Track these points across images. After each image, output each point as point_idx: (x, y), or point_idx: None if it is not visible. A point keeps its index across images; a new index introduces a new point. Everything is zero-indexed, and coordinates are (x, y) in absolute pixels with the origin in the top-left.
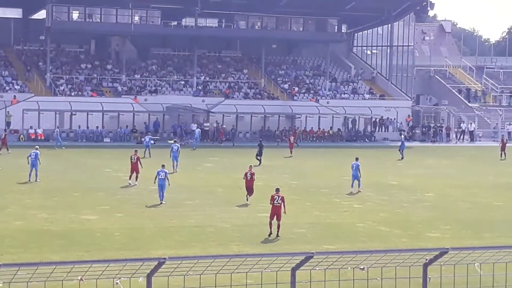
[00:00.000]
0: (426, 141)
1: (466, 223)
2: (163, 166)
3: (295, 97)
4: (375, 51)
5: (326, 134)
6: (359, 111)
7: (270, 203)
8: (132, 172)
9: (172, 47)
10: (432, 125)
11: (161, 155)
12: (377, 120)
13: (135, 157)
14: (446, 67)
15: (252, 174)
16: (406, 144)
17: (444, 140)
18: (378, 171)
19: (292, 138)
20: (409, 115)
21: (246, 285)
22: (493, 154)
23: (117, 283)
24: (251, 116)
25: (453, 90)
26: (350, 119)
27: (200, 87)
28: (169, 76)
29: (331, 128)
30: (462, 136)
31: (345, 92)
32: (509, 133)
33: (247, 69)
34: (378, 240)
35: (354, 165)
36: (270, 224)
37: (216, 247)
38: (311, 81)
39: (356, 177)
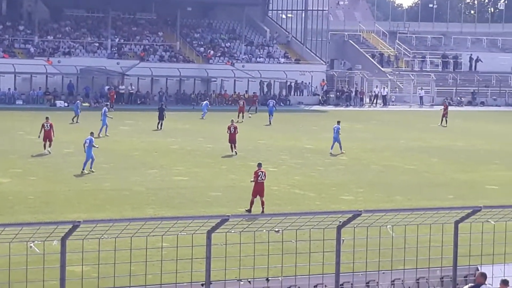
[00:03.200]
0: (340, 105)
1: (379, 186)
2: (91, 133)
3: (210, 61)
4: (290, 15)
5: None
6: (274, 75)
7: (253, 181)
8: (45, 140)
9: (86, 8)
10: (345, 89)
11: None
12: (292, 84)
13: (48, 124)
14: (360, 32)
15: (235, 128)
16: (321, 108)
17: (357, 104)
18: (293, 135)
19: (242, 102)
20: (323, 80)
21: (161, 248)
22: (405, 118)
23: (31, 247)
24: (167, 79)
25: (367, 55)
26: (266, 83)
27: (114, 50)
28: (83, 38)
29: (246, 91)
30: (375, 101)
31: (261, 56)
32: (420, 97)
33: (162, 31)
34: (293, 203)
35: (335, 128)
36: (252, 202)
37: (132, 211)
38: (226, 44)
39: (336, 139)
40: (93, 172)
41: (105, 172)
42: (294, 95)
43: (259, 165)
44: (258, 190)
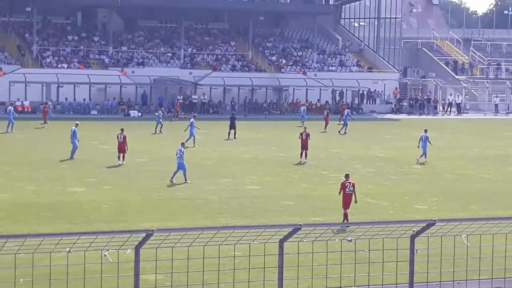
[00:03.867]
0: (413, 114)
1: (453, 195)
2: (182, 144)
3: (282, 70)
4: (362, 23)
5: (313, 106)
6: (346, 83)
7: (340, 192)
8: (119, 152)
9: (159, 19)
10: (419, 97)
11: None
12: (365, 92)
13: (122, 136)
14: (433, 39)
15: (308, 135)
16: (394, 116)
17: (431, 112)
18: (365, 144)
19: (326, 112)
20: (396, 88)
21: (234, 257)
22: (479, 127)
23: (105, 255)
24: (239, 88)
25: (440, 63)
26: (338, 92)
27: (187, 59)
28: (156, 48)
29: (318, 100)
30: (449, 109)
31: (333, 64)
32: (495, 105)
33: (234, 41)
34: (365, 212)
35: (423, 137)
36: (345, 214)
37: (204, 219)
38: (298, 53)
39: (424, 148)
40: (188, 182)
41: (178, 181)
42: (367, 103)
43: (347, 176)
44: (347, 201)
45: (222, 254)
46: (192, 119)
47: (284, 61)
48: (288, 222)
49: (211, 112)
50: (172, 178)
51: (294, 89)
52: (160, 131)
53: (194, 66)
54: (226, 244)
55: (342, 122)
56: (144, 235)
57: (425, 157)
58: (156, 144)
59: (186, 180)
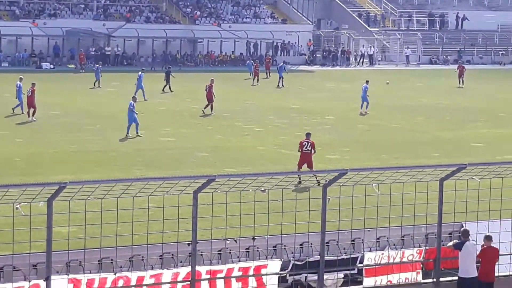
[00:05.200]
0: (327, 65)
1: (365, 145)
2: (133, 98)
3: (197, 21)
4: None
5: (228, 58)
6: (261, 35)
7: (299, 151)
8: (28, 107)
9: None
10: (332, 49)
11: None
12: (279, 44)
13: (30, 91)
14: None
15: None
16: (308, 68)
17: (344, 64)
18: (280, 95)
19: (255, 65)
20: (310, 40)
21: (148, 208)
22: (391, 77)
23: (17, 208)
24: (153, 40)
25: (353, 14)
26: (252, 44)
27: (100, 11)
28: None
29: (233, 52)
30: (361, 60)
31: (247, 16)
32: (407, 56)
33: None
34: (279, 162)
35: (363, 88)
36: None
37: (118, 172)
38: (213, 5)
39: (364, 99)
40: (140, 136)
41: (91, 134)
42: (281, 55)
43: (307, 135)
44: (304, 160)
45: (136, 206)
46: (140, 73)
47: (198, 12)
48: (202, 173)
49: (125, 64)
50: (127, 133)
51: (208, 41)
52: (99, 86)
53: (108, 18)
54: (140, 196)
55: (269, 76)
56: (56, 187)
57: (367, 106)
58: (68, 96)
59: (137, 133)
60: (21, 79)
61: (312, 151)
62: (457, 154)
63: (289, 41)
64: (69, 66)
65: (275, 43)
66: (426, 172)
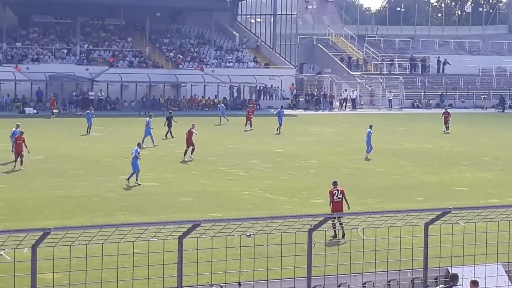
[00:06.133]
0: (310, 109)
1: (349, 189)
2: (138, 144)
3: (180, 66)
4: (259, 20)
5: (211, 102)
6: (244, 79)
7: (330, 202)
8: (17, 156)
9: (54, 15)
10: (315, 93)
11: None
12: (262, 88)
13: (19, 139)
14: (328, 35)
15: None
16: (291, 112)
17: (327, 108)
18: (263, 139)
19: (250, 111)
20: (293, 84)
21: (133, 254)
22: (374, 121)
23: (1, 254)
24: (136, 84)
25: (336, 59)
26: (235, 88)
27: (83, 56)
28: (52, 44)
29: (216, 96)
30: (344, 104)
31: (230, 60)
32: (389, 100)
33: (131, 37)
34: (264, 207)
35: (367, 133)
36: (334, 225)
37: (103, 217)
38: (196, 49)
39: (368, 143)
40: (139, 184)
41: (75, 179)
42: (264, 99)
43: (334, 183)
44: (336, 209)
45: (121, 251)
46: (148, 119)
47: (181, 57)
48: (187, 218)
49: (108, 108)
50: (128, 179)
51: (191, 85)
52: (89, 132)
53: (91, 62)
54: (125, 242)
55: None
56: (41, 233)
57: (369, 152)
58: (52, 141)
59: (137, 181)
60: (17, 126)
61: (343, 199)
62: (441, 198)
63: (271, 85)
64: (54, 111)
65: (258, 87)
66: (411, 217)
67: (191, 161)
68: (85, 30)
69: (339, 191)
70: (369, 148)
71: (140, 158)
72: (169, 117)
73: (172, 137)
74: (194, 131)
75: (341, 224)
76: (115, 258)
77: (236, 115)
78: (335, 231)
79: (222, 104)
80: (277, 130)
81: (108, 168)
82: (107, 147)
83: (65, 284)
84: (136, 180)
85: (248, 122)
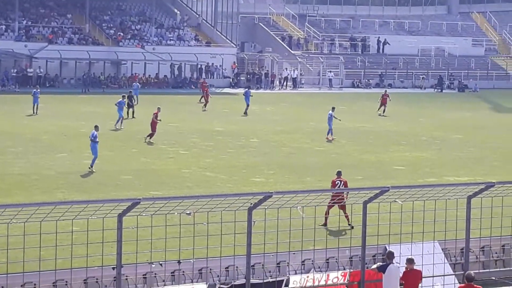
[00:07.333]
0: (251, 88)
1: (289, 168)
2: (95, 127)
3: (120, 43)
4: None
5: (152, 80)
6: (185, 57)
7: (332, 194)
8: None
9: None
10: (256, 72)
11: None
12: (203, 66)
13: None
14: (270, 14)
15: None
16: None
17: (268, 87)
18: (204, 118)
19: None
20: (234, 62)
21: (72, 232)
22: (314, 101)
23: None
24: (76, 62)
25: (277, 38)
26: (176, 66)
27: (22, 32)
28: None
29: (157, 74)
30: (285, 83)
31: (171, 38)
32: (330, 80)
33: (71, 14)
34: (204, 185)
35: (328, 115)
36: (327, 213)
37: (41, 195)
38: (136, 27)
39: (330, 125)
40: (93, 172)
41: (13, 156)
42: (206, 78)
43: (338, 173)
44: (338, 201)
45: (59, 229)
46: (120, 100)
47: (122, 34)
48: (127, 196)
49: (47, 85)
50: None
51: (132, 63)
52: (37, 112)
53: (30, 39)
54: (63, 220)
55: (202, 100)
56: None
57: (331, 134)
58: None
59: (91, 167)
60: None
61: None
62: (380, 176)
63: (213, 64)
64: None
65: (199, 66)
66: (349, 195)
67: (151, 144)
68: (24, 6)
69: (342, 182)
70: (330, 129)
71: (97, 142)
72: (130, 96)
73: (134, 117)
74: (156, 120)
75: (346, 216)
76: (53, 236)
77: (178, 93)
78: (326, 219)
79: (138, 83)
80: (245, 112)
81: (47, 145)
82: (46, 124)
83: (3, 262)
84: (91, 166)
85: (204, 100)
